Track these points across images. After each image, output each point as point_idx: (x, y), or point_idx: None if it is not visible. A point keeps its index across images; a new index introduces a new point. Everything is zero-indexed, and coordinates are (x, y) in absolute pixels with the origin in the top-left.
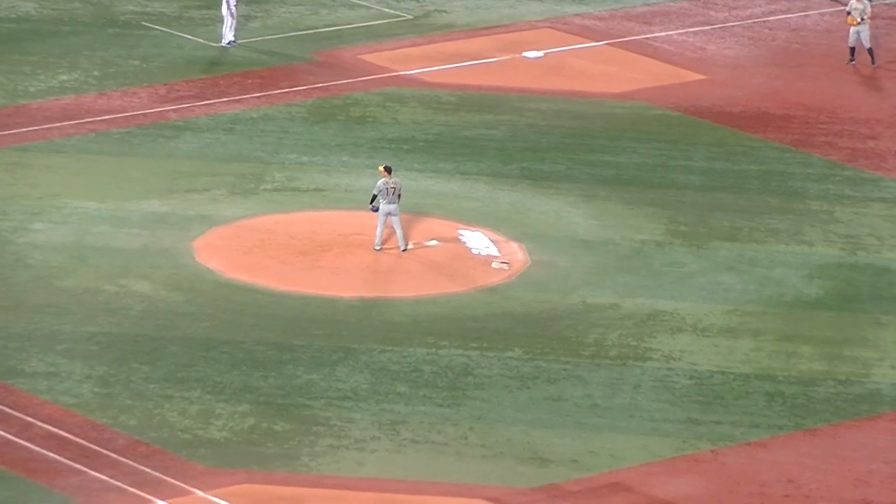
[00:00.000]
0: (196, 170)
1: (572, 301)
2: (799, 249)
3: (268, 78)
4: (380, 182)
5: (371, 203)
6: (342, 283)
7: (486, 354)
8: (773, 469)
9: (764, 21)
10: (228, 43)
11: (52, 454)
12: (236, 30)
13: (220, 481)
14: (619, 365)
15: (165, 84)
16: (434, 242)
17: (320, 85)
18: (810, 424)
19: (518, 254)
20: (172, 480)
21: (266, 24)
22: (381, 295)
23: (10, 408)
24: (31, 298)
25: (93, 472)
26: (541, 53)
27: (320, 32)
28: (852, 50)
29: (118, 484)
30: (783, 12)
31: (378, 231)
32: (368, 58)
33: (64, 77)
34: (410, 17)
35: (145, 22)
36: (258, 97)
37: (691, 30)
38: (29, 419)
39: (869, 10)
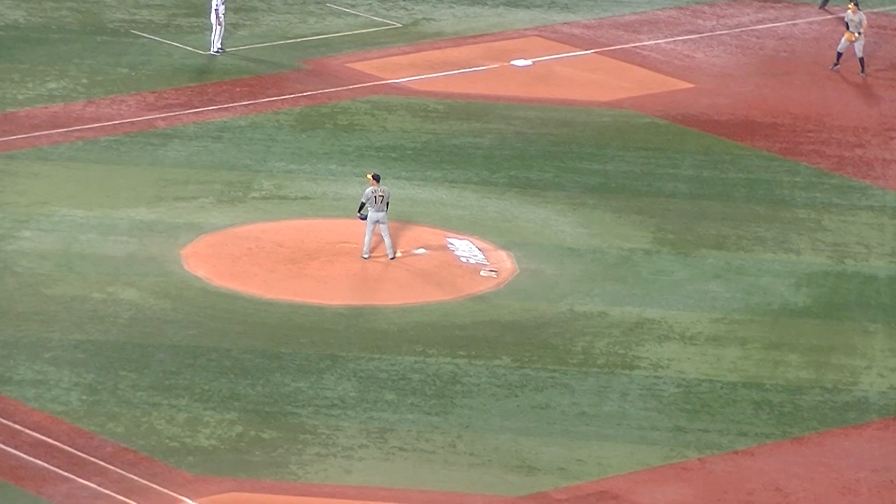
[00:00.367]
0: (184, 178)
1: (560, 309)
2: (786, 258)
3: (256, 86)
4: (368, 190)
5: (359, 211)
6: (330, 291)
7: (474, 362)
8: (761, 477)
9: (752, 30)
10: (216, 51)
11: (39, 462)
12: (224, 38)
13: (208, 489)
14: (607, 373)
15: (153, 92)
16: (422, 251)
17: (308, 93)
18: (797, 432)
19: (506, 262)
20: (160, 488)
21: (254, 32)
22: (368, 303)
23: None
24: (18, 306)
25: (80, 480)
26: (529, 62)
27: (308, 41)
28: (839, 55)
29: (106, 491)
30: (771, 21)
31: (366, 239)
32: (356, 66)
33: (52, 85)
34: (399, 25)
35: (133, 30)
36: (246, 105)
37: (679, 38)
38: (16, 427)
39: (865, 22)
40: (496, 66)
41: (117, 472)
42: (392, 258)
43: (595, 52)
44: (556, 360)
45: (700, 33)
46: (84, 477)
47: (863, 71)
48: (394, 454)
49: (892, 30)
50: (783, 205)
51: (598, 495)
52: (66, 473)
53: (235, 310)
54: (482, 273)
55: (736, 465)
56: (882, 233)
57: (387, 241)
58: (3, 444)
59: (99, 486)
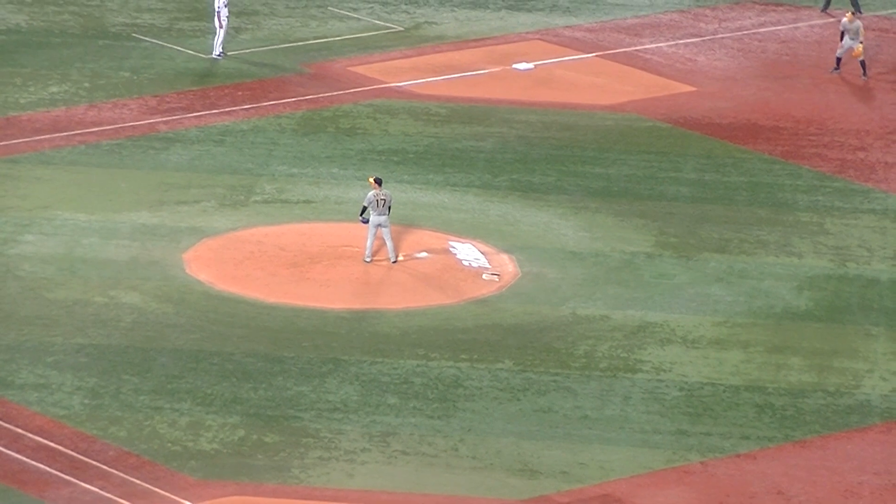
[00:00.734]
0: (186, 182)
1: (562, 313)
2: (788, 261)
3: (258, 90)
4: (370, 194)
5: (361, 215)
6: (332, 295)
7: (476, 366)
8: (763, 480)
9: (754, 33)
10: (218, 55)
11: (42, 465)
12: (225, 42)
13: (210, 493)
14: (609, 377)
15: (156, 96)
16: (424, 254)
17: (310, 97)
18: (800, 436)
19: (508, 265)
20: (162, 492)
21: (256, 35)
22: (370, 306)
23: (0, 419)
24: (20, 310)
25: (83, 484)
26: (531, 65)
27: (310, 44)
28: (839, 60)
29: (108, 495)
30: (773, 24)
31: (368, 243)
32: (358, 69)
33: (54, 89)
34: (401, 28)
35: (135, 34)
36: (248, 109)
37: (681, 41)
38: (19, 431)
39: (862, 29)
40: (498, 69)
41: (120, 476)
42: (394, 262)
43: (597, 56)
44: (559, 363)
45: (702, 37)
46: (86, 481)
47: (865, 74)
48: (396, 458)
49: (893, 33)
50: (785, 208)
51: (601, 499)
52: (68, 477)
53: (237, 313)
54: (484, 276)
55: (738, 469)
56: (884, 236)
57: (389, 244)
58: (6, 448)
59: (101, 490)
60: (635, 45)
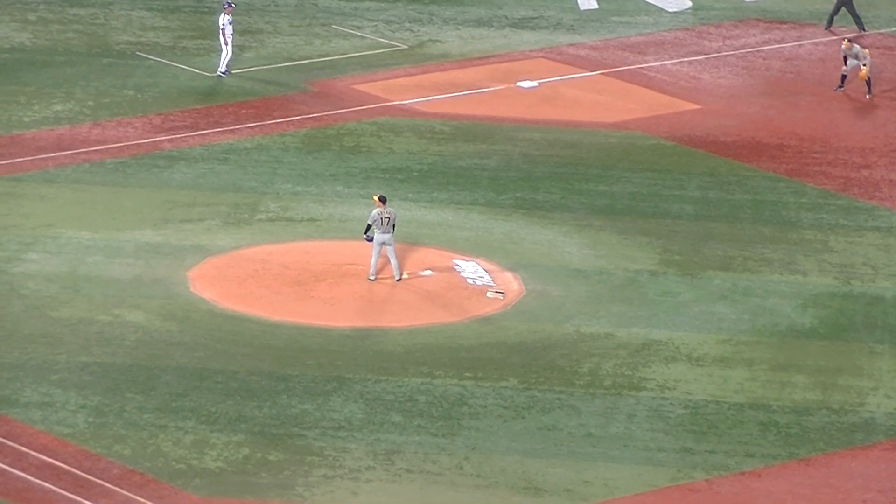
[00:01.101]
0: (190, 200)
1: (566, 330)
2: (793, 279)
3: (262, 108)
4: (374, 212)
5: (365, 233)
6: (336, 313)
7: (481, 384)
8: (768, 498)
9: (758, 51)
10: (222, 73)
11: (46, 484)
12: (229, 62)
13: None
14: (614, 394)
15: (160, 114)
16: (428, 272)
17: (314, 115)
18: (804, 454)
19: (512, 283)
20: None
21: (260, 53)
22: (375, 324)
23: (5, 438)
24: (24, 328)
25: (87, 502)
26: (535, 83)
27: (314, 62)
28: (843, 77)
29: None
30: (777, 42)
31: (372, 261)
32: (362, 87)
33: (58, 107)
34: (405, 46)
35: (139, 52)
36: (252, 127)
37: (685, 59)
38: (23, 449)
39: (863, 52)
40: (502, 87)
41: (124, 495)
42: (398, 280)
43: (601, 74)
44: (563, 381)
45: (706, 54)
46: (91, 499)
47: (869, 92)
48: (400, 476)
49: None
50: (789, 226)
51: None
52: (72, 496)
53: (242, 332)
54: (488, 294)
55: (743, 487)
56: (889, 254)
57: (393, 262)
58: (10, 466)
59: None
60: (639, 63)
